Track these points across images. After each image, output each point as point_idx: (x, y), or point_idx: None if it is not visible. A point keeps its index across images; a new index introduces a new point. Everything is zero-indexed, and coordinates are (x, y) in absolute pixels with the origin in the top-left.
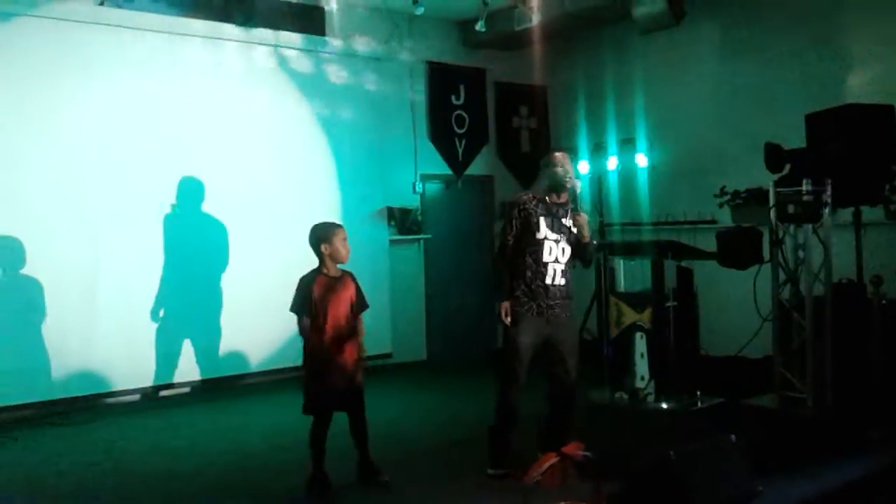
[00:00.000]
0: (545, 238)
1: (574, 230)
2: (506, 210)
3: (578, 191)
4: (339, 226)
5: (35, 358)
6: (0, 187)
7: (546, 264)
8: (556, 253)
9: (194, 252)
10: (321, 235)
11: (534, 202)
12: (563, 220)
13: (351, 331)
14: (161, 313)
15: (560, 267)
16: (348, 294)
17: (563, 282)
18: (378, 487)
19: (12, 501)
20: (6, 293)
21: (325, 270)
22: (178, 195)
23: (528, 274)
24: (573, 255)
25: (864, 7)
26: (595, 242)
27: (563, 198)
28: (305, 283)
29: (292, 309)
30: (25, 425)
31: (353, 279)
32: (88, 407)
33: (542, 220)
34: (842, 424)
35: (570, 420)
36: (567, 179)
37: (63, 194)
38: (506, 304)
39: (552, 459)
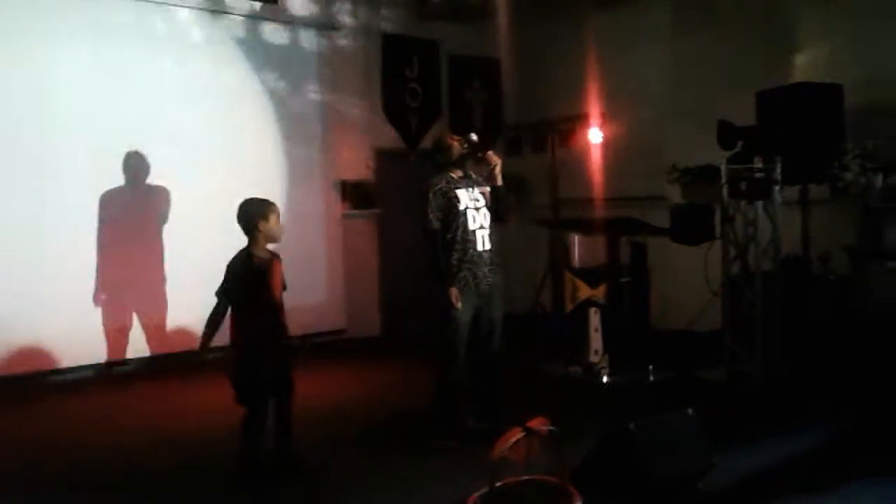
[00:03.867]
0: (467, 207)
1: (488, 197)
2: (421, 197)
3: (474, 138)
4: (273, 203)
5: None
6: None
7: (473, 231)
8: (479, 220)
9: (140, 226)
10: (257, 212)
11: (443, 181)
12: (475, 188)
13: (282, 314)
14: (105, 289)
15: (486, 232)
16: (278, 276)
17: (490, 247)
18: (309, 474)
19: None
20: None
21: (256, 251)
22: (123, 168)
23: (459, 246)
24: (494, 216)
25: None
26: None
27: (461, 171)
28: (238, 267)
29: (218, 293)
30: None
31: (279, 260)
32: (36, 384)
33: (458, 192)
34: (789, 397)
35: (499, 389)
36: (459, 151)
37: (7, 167)
38: (454, 290)
39: (518, 434)
